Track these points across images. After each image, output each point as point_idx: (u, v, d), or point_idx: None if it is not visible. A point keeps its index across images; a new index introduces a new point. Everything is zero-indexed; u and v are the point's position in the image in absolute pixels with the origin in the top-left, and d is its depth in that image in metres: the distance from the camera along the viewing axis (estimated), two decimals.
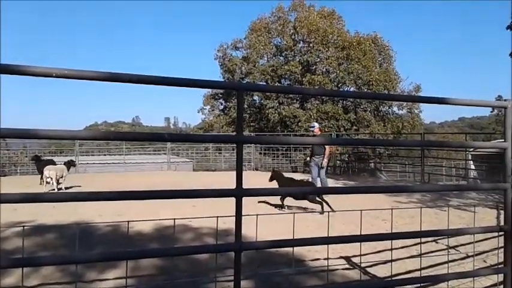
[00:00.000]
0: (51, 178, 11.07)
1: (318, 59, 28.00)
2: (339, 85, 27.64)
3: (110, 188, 11.44)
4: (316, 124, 10.94)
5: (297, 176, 11.35)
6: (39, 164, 13.12)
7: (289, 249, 4.23)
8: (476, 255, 4.20)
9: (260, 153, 21.83)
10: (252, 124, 28.98)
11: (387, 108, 28.42)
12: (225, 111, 30.64)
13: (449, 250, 4.67)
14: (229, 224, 3.95)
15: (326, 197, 7.91)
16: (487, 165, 19.47)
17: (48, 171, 11.17)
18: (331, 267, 4.13)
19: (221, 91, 30.56)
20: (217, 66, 30.96)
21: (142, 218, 4.93)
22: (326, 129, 24.79)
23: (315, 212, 7.25)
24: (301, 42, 29.00)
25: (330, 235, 2.77)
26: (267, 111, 26.96)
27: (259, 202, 8.88)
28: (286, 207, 8.25)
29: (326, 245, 3.52)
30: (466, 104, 2.89)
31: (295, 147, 20.43)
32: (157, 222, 6.08)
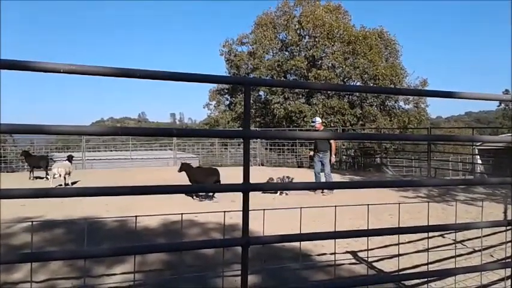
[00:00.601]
0: (60, 175, 11.29)
1: (324, 54, 27.87)
2: (345, 80, 27.53)
3: (117, 183, 11.49)
4: (318, 119, 10.90)
5: (302, 172, 11.35)
6: (30, 159, 13.37)
7: (296, 244, 4.24)
8: (484, 249, 4.18)
9: (266, 149, 21.84)
10: (257, 119, 28.96)
11: (393, 102, 28.28)
12: (231, 107, 30.63)
13: (457, 245, 4.66)
14: (236, 219, 3.97)
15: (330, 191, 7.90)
16: (494, 159, 19.35)
17: (57, 168, 11.40)
18: (337, 262, 4.14)
19: (227, 87, 30.56)
20: (223, 61, 30.96)
21: (149, 213, 4.96)
22: (332, 124, 24.73)
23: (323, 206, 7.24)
24: (307, 37, 28.86)
25: (336, 230, 2.77)
26: (272, 107, 26.91)
27: (264, 192, 8.89)
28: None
29: (333, 240, 3.52)
30: (473, 97, 2.87)
31: (300, 143, 20.40)
32: (164, 218, 6.11)
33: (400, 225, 3.22)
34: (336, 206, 2.85)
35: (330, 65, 27.56)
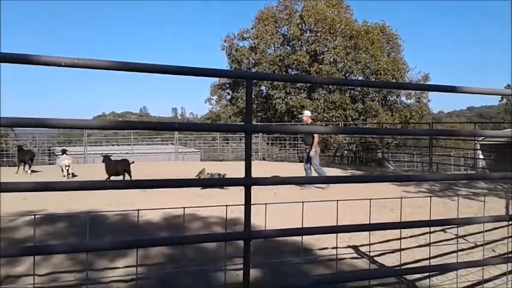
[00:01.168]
0: (69, 167, 12.16)
1: (326, 49, 27.81)
2: (347, 74, 27.49)
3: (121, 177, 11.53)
4: (306, 112, 10.81)
5: (300, 166, 11.30)
6: (21, 153, 13.95)
7: (297, 238, 4.25)
8: (486, 244, 4.18)
9: (267, 144, 21.84)
10: (259, 114, 28.94)
11: (395, 97, 28.27)
12: (232, 102, 30.62)
13: (458, 239, 4.66)
14: (237, 213, 3.99)
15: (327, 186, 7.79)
16: (495, 154, 19.32)
17: (67, 160, 12.22)
18: (339, 257, 4.14)
19: (228, 81, 30.53)
20: (225, 56, 30.91)
21: (151, 207, 4.97)
22: (333, 119, 24.70)
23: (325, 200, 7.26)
24: (308, 31, 28.79)
25: (338, 224, 2.77)
26: (274, 101, 26.90)
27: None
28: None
29: (334, 234, 3.53)
30: (475, 92, 2.85)
31: (302, 137, 20.38)
32: (165, 211, 6.11)
33: (402, 220, 3.22)
34: (338, 201, 2.85)
35: (332, 59, 27.51)
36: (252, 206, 2.30)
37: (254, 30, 29.57)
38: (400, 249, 3.84)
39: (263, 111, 29.36)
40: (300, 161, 19.70)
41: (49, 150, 18.04)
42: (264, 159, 19.98)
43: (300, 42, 28.59)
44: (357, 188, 8.59)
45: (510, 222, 3.83)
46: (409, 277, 3.83)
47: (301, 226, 2.82)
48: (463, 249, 4.61)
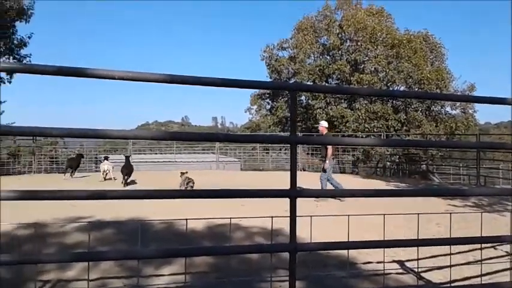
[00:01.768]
0: (107, 172, 13.84)
1: (366, 58, 27.51)
2: (388, 84, 27.02)
3: (165, 185, 11.80)
4: (323, 122, 10.68)
5: (343, 178, 11.18)
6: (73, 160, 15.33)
7: (340, 251, 4.21)
8: None
9: (307, 154, 21.72)
10: (299, 124, 28.87)
11: (439, 108, 27.45)
12: (272, 111, 30.72)
13: (510, 257, 4.48)
14: (280, 224, 4.00)
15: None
16: None
17: (107, 165, 13.88)
18: (385, 271, 4.08)
19: (268, 91, 30.69)
20: (264, 67, 31.15)
21: (194, 215, 5.06)
22: (375, 130, 24.31)
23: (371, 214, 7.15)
24: (348, 40, 28.59)
25: (383, 238, 2.75)
26: (314, 112, 26.78)
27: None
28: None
29: (380, 248, 3.48)
30: None
31: (343, 148, 20.15)
32: (209, 221, 6.20)
33: (450, 236, 3.14)
34: (384, 215, 2.82)
35: (373, 69, 27.16)
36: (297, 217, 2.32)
37: (293, 40, 29.68)
38: (450, 266, 3.73)
39: (303, 121, 29.27)
40: (341, 172, 19.50)
41: (96, 157, 18.72)
42: (304, 170, 19.87)
43: (340, 51, 28.42)
44: (399, 200, 8.41)
45: None
46: None
47: (347, 240, 2.81)
48: None
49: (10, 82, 20.26)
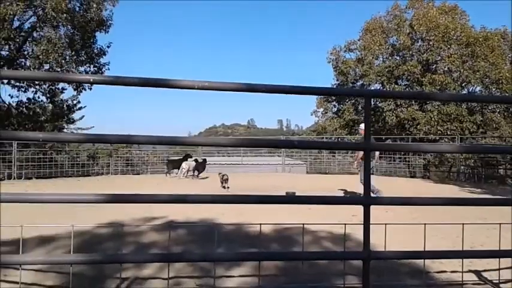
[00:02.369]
0: (185, 169, 15.65)
1: (439, 58, 26.36)
2: (463, 84, 25.72)
3: (238, 188, 12.08)
4: (362, 126, 10.35)
5: (414, 182, 10.80)
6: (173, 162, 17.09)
7: (413, 260, 4.09)
8: None
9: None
10: None
11: None
12: (339, 114, 30.30)
13: None
14: (348, 229, 3.99)
15: None
16: None
17: (185, 163, 15.78)
18: (459, 281, 3.92)
19: None
20: (331, 69, 30.84)
21: (260, 217, 5.13)
22: (448, 132, 23.21)
23: (449, 223, 6.86)
24: (420, 40, 27.55)
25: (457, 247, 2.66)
26: (384, 114, 26.06)
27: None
28: None
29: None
30: None
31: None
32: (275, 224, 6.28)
33: None
34: (463, 224, 2.74)
35: (446, 69, 25.96)
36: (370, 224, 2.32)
37: (361, 42, 29.12)
38: None
39: (371, 123, 28.55)
40: (411, 176, 18.82)
41: (167, 159, 19.52)
42: (372, 173, 19.36)
43: (410, 52, 27.45)
44: (474, 207, 7.97)
45: None
46: None
47: (421, 248, 2.76)
48: None
49: (91, 89, 21.73)
